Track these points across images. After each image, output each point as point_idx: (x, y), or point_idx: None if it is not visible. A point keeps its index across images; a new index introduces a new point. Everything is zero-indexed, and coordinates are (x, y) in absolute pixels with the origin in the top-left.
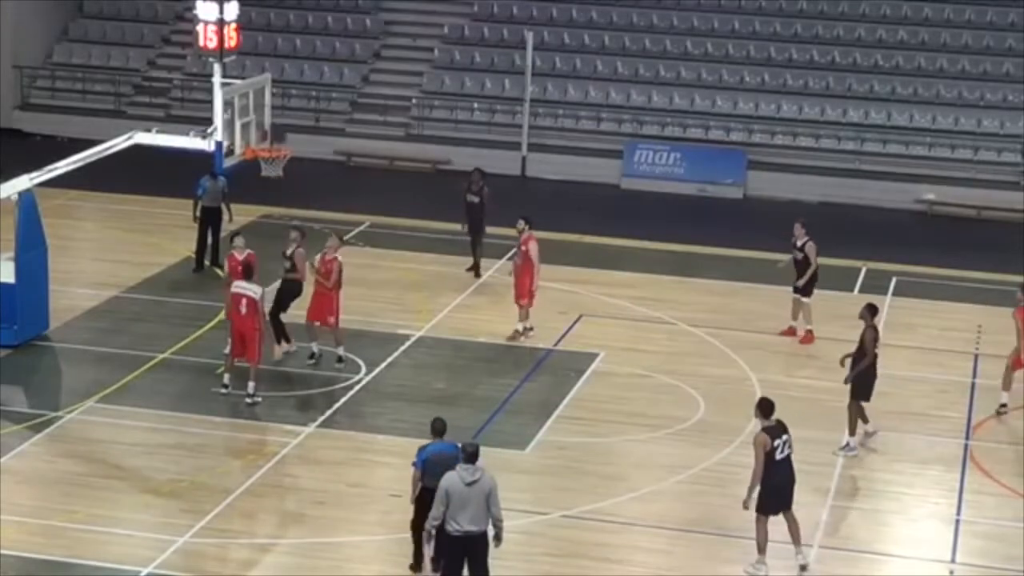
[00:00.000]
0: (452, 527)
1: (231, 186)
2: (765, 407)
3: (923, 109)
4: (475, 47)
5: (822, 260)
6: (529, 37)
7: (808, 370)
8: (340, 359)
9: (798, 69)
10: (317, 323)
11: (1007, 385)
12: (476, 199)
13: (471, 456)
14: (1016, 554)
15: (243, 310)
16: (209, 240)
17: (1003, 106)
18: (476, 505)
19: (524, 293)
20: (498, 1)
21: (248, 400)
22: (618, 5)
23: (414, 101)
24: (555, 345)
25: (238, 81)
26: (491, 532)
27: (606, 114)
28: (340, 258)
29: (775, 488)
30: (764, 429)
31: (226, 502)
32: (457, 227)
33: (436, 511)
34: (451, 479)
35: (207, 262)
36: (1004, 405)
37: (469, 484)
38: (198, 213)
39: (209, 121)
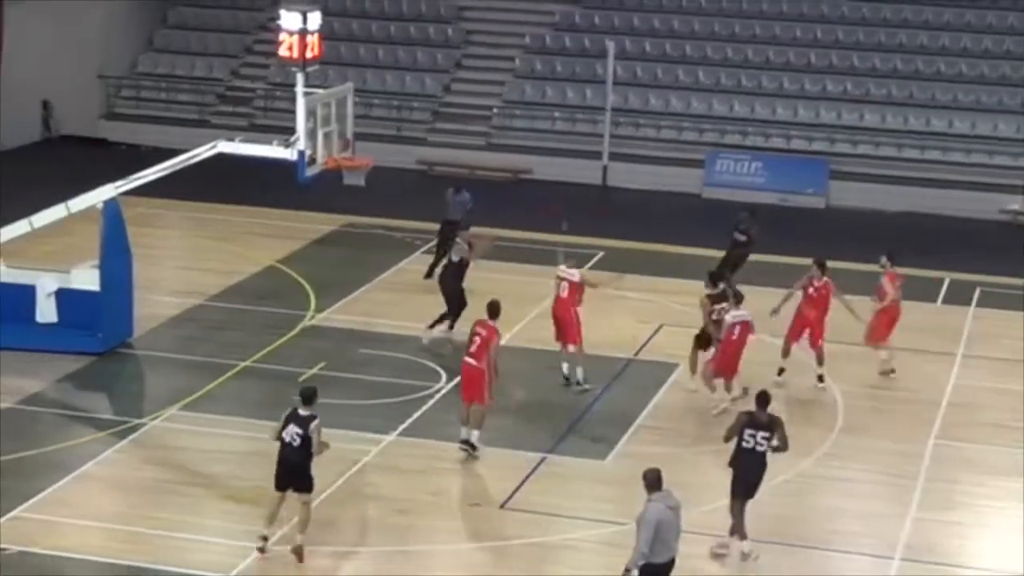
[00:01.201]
0: (666, 555)
1: (313, 194)
2: (762, 399)
3: (1008, 118)
4: (556, 56)
5: (907, 270)
6: (611, 46)
7: (888, 381)
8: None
9: (881, 78)
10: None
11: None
12: (745, 238)
13: (656, 481)
14: None
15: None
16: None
17: None
18: (678, 527)
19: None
20: (580, 10)
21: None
22: (700, 14)
23: (495, 110)
24: (635, 355)
25: (321, 90)
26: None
27: (687, 123)
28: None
29: (743, 476)
30: (748, 413)
31: None
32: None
33: (646, 547)
34: (659, 510)
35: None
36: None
37: (673, 508)
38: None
39: (292, 130)
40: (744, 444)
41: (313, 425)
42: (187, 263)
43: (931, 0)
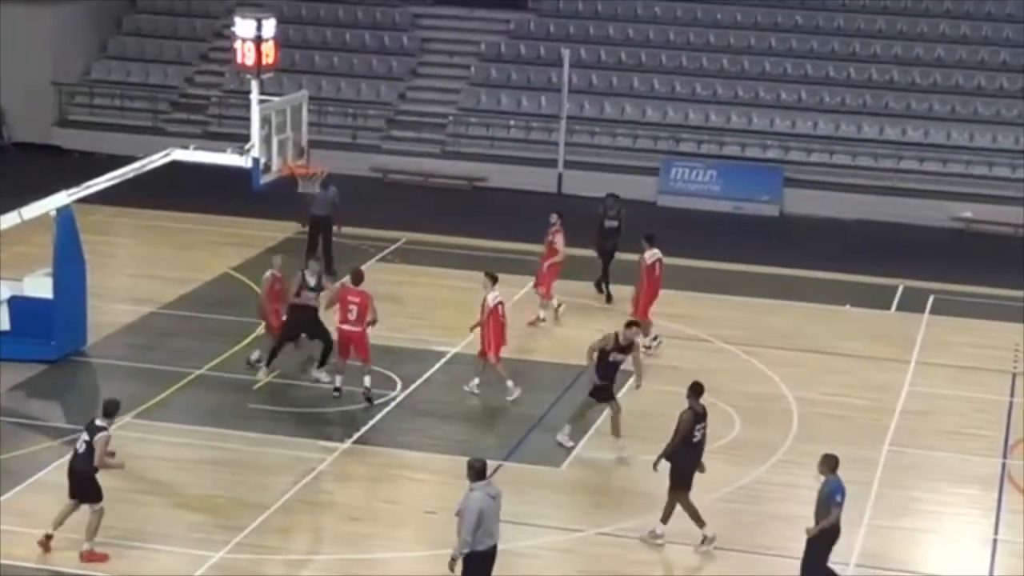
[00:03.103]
0: (487, 542)
1: (266, 202)
2: (697, 389)
3: (961, 127)
4: (512, 64)
5: (861, 277)
6: (565, 55)
7: (842, 388)
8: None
9: (835, 87)
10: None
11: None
12: (615, 223)
13: (481, 472)
14: None
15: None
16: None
17: None
18: (497, 518)
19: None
20: (535, 18)
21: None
22: (655, 23)
23: (450, 118)
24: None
25: (275, 98)
26: None
27: (642, 131)
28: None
29: (689, 468)
30: (692, 409)
31: (262, 518)
32: (497, 244)
33: (470, 535)
34: (481, 499)
35: (330, 268)
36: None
37: (495, 498)
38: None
39: (246, 138)
40: (693, 439)
41: (98, 436)
42: (141, 271)
43: (884, 10)
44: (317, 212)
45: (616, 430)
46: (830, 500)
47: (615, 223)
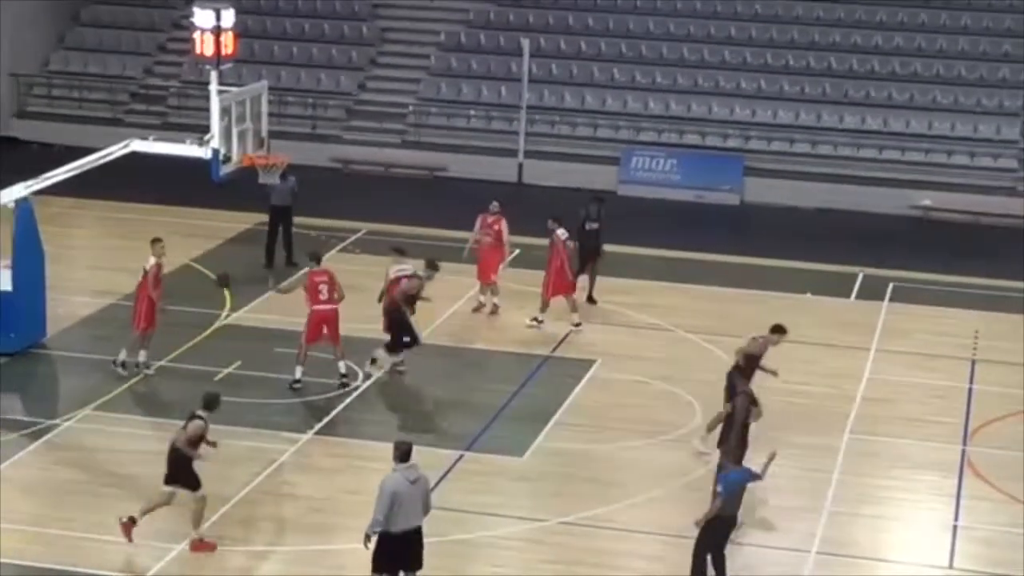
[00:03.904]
0: (402, 525)
1: (227, 192)
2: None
3: (920, 115)
4: (471, 54)
5: (821, 266)
6: (525, 44)
7: (803, 376)
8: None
9: (795, 75)
10: None
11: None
12: (596, 225)
13: (405, 454)
14: (1013, 559)
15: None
16: (280, 237)
17: (999, 112)
18: (419, 502)
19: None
20: (494, 8)
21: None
22: (614, 12)
23: (411, 108)
24: (552, 352)
25: (235, 89)
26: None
27: (603, 121)
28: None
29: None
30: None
31: (223, 510)
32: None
33: (381, 515)
34: (396, 481)
35: (291, 259)
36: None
37: (413, 482)
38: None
39: (206, 129)
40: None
41: (192, 423)
42: (101, 262)
43: None
44: (276, 203)
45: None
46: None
47: (595, 225)
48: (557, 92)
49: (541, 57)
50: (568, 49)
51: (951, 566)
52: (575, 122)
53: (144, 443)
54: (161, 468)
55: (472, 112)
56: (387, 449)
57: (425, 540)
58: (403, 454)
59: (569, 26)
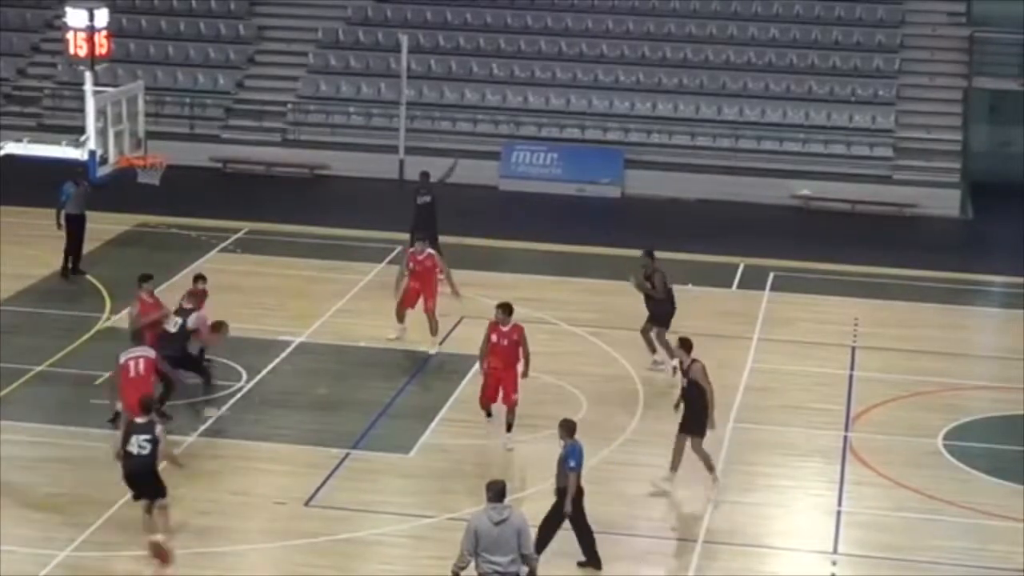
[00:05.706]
0: (485, 567)
1: (105, 194)
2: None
3: (796, 105)
4: (350, 51)
5: (703, 256)
6: (404, 40)
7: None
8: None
9: (672, 68)
10: None
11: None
12: (429, 198)
13: (497, 494)
14: (896, 543)
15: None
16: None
17: (874, 101)
18: (507, 543)
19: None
20: (372, 4)
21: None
22: (491, 7)
23: (290, 106)
24: (438, 348)
25: (110, 89)
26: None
27: (482, 116)
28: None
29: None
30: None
31: (107, 514)
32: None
33: (465, 550)
34: (479, 519)
35: (76, 268)
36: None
37: (498, 524)
38: (62, 220)
39: (82, 130)
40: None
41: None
42: None
43: None
44: (72, 211)
45: None
46: (565, 464)
47: (427, 198)
48: (436, 88)
49: (420, 53)
50: (446, 45)
51: (835, 551)
52: (455, 118)
53: (25, 449)
54: (43, 474)
55: (352, 109)
56: (272, 449)
57: (313, 539)
58: (495, 494)
59: (447, 22)
